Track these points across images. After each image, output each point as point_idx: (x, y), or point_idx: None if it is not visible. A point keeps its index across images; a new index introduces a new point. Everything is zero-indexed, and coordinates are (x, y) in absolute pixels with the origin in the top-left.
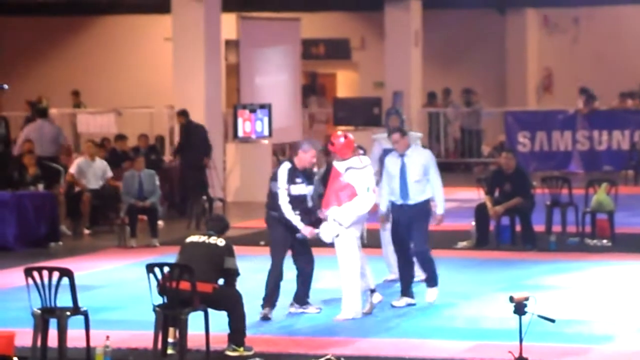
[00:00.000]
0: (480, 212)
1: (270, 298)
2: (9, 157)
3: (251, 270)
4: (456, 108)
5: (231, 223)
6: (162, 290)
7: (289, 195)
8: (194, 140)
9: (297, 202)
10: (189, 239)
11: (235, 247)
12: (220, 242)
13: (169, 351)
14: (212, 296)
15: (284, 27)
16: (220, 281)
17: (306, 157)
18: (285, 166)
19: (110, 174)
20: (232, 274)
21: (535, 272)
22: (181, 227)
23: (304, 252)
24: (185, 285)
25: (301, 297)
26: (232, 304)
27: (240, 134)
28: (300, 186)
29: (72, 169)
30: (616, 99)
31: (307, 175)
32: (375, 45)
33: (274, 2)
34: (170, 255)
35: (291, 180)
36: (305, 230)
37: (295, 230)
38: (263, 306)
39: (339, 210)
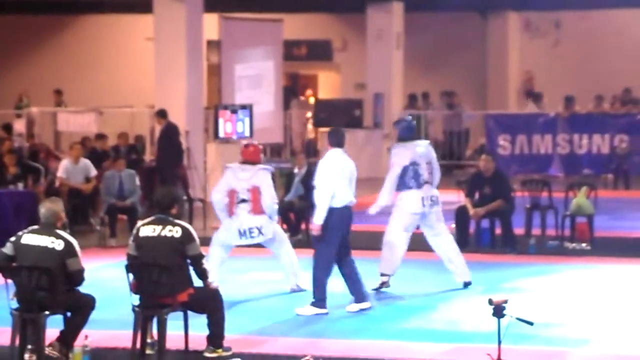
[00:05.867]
0: (461, 215)
1: None
2: None
3: (231, 271)
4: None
5: (212, 224)
6: (137, 290)
7: None
8: (174, 140)
9: None
10: (142, 233)
11: None
12: (177, 232)
13: (148, 351)
14: (190, 302)
15: (266, 28)
16: (198, 282)
17: None
18: None
19: (94, 172)
20: (196, 261)
21: (514, 275)
22: None
23: None
24: (164, 300)
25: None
26: (211, 307)
27: (221, 134)
28: None
29: (60, 173)
30: (593, 102)
31: None
32: (357, 46)
33: (256, 2)
34: None
35: None
36: None
37: None
38: None
39: None
